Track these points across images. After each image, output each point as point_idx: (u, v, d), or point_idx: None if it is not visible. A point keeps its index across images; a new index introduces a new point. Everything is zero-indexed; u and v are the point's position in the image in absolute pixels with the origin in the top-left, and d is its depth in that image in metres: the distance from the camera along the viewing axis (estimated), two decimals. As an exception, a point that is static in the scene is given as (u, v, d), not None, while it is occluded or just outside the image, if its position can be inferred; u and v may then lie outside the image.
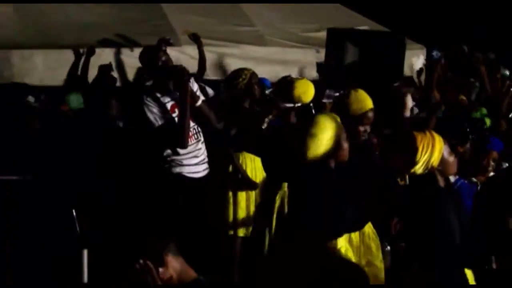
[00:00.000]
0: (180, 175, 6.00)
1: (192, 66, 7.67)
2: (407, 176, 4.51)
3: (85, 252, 5.63)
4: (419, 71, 8.93)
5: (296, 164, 4.66)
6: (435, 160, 4.40)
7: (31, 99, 7.46)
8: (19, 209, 6.66)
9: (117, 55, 8.37)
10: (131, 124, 6.80)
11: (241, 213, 6.43)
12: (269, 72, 8.45)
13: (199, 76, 8.05)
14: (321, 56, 7.66)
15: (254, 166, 6.48)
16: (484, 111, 8.32)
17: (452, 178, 5.41)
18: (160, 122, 5.92)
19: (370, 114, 5.18)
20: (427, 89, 8.20)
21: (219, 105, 6.99)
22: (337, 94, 7.03)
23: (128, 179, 6.46)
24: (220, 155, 6.52)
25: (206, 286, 3.88)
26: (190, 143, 5.98)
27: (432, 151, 4.39)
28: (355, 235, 5.07)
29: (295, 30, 9.50)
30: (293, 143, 4.68)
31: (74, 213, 6.15)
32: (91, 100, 7.54)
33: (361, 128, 5.17)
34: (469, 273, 4.52)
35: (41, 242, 6.60)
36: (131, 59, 8.14)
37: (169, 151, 6.00)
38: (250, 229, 6.43)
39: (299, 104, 6.15)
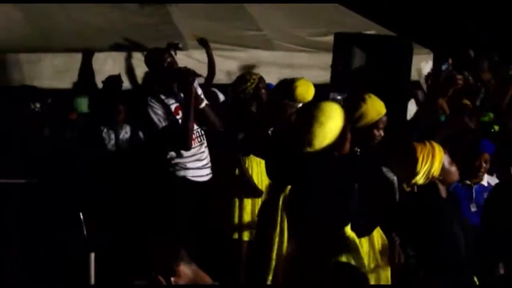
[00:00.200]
0: (184, 179, 6.02)
1: (199, 70, 7.66)
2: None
3: (92, 255, 5.65)
4: (427, 76, 8.94)
5: (300, 156, 4.65)
6: (435, 170, 4.39)
7: (36, 105, 7.48)
8: (27, 212, 6.68)
9: (125, 59, 8.39)
10: (139, 127, 6.82)
11: (247, 217, 6.42)
12: (276, 76, 8.45)
13: (208, 80, 8.08)
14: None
15: (260, 170, 6.48)
16: (492, 116, 8.32)
17: None
18: (163, 124, 5.94)
19: (385, 119, 5.21)
20: (430, 96, 8.20)
21: (226, 109, 7.01)
22: (340, 97, 7.04)
23: (133, 182, 6.48)
24: (226, 159, 6.53)
25: None
26: (193, 145, 6.00)
27: (433, 161, 4.38)
28: (365, 240, 5.09)
29: (303, 34, 9.51)
30: (299, 131, 4.66)
31: (82, 217, 6.18)
32: (99, 104, 7.56)
33: (376, 132, 5.20)
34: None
35: (48, 246, 6.62)
36: (139, 64, 8.16)
37: (173, 153, 6.01)
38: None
39: (300, 105, 6.16)
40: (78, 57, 8.06)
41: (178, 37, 8.51)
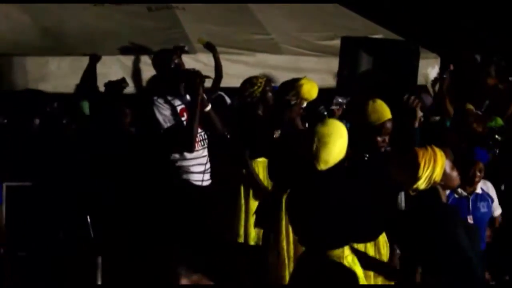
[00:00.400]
0: (187, 182, 6.02)
1: (206, 73, 7.71)
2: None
3: (100, 258, 5.68)
4: (434, 81, 8.94)
5: (308, 170, 4.64)
6: (437, 175, 4.37)
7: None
8: (34, 214, 6.71)
9: (132, 63, 8.41)
10: (143, 129, 6.83)
11: (253, 221, 6.43)
12: (283, 80, 8.46)
13: (216, 83, 8.10)
14: None
15: (267, 173, 6.50)
16: (500, 121, 8.31)
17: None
18: (168, 124, 5.94)
19: (389, 125, 5.14)
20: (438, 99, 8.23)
21: (233, 112, 7.03)
22: (344, 101, 7.05)
23: (137, 185, 6.49)
24: (234, 161, 6.56)
25: None
26: (197, 148, 6.01)
27: (434, 166, 4.36)
28: (370, 245, 5.10)
29: (310, 38, 9.51)
30: (306, 149, 4.65)
31: (89, 219, 6.21)
32: (103, 107, 7.58)
33: (379, 139, 5.15)
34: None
35: (55, 247, 6.65)
36: (146, 67, 8.19)
37: (176, 156, 6.02)
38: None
39: (305, 104, 6.18)
40: (85, 61, 8.09)
41: (185, 41, 8.53)
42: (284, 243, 5.84)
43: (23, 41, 8.30)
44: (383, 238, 5.21)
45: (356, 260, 4.65)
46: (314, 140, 4.52)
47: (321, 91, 6.43)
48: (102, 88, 8.01)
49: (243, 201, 6.54)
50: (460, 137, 7.26)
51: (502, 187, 6.75)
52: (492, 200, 6.33)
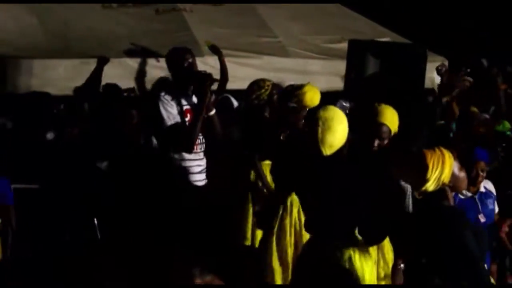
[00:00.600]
0: (189, 183, 6.02)
1: (213, 76, 7.73)
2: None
3: (106, 258, 5.67)
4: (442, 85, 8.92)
5: (311, 159, 4.69)
6: (446, 177, 4.38)
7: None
8: (40, 216, 6.72)
9: (140, 65, 8.42)
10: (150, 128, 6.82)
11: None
12: (290, 83, 8.45)
13: (221, 86, 8.10)
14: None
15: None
16: (507, 124, 8.29)
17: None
18: (171, 122, 5.92)
19: (385, 129, 5.16)
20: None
21: (240, 115, 7.03)
22: (348, 104, 7.05)
23: (137, 185, 6.48)
24: (242, 163, 6.56)
25: None
26: (196, 150, 6.00)
27: (443, 167, 4.37)
28: (373, 249, 5.07)
29: (317, 41, 9.52)
30: (311, 135, 4.70)
31: (96, 222, 6.21)
32: (100, 110, 7.58)
33: (375, 142, 5.15)
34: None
35: (61, 249, 6.65)
36: (154, 70, 8.20)
37: (176, 156, 6.00)
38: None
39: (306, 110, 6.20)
40: (93, 64, 8.10)
41: (193, 43, 8.53)
42: (288, 246, 5.85)
43: (30, 43, 8.32)
44: (388, 244, 5.21)
45: (367, 260, 4.68)
46: (318, 124, 4.69)
47: (328, 94, 6.44)
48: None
49: (250, 204, 6.54)
50: (464, 139, 7.26)
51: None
52: (495, 197, 6.34)
